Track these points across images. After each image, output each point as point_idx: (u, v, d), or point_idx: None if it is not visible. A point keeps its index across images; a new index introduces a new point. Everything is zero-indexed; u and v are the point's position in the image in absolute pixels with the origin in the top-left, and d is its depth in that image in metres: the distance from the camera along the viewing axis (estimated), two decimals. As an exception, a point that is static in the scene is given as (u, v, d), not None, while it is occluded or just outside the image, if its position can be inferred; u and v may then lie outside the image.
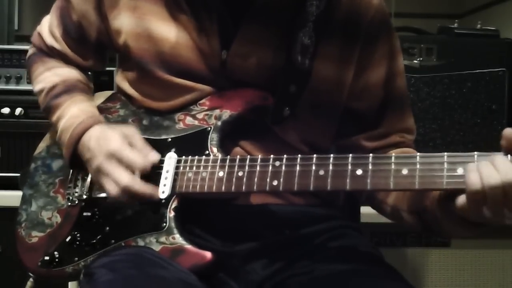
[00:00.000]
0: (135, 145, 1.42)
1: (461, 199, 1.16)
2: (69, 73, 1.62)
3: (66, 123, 1.51)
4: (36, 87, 1.62)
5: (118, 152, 1.39)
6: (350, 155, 1.24)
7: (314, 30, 1.42)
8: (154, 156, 1.40)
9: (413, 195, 1.36)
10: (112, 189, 1.39)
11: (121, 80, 1.58)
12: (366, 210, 1.86)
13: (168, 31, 1.45)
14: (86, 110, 1.52)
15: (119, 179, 1.37)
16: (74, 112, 1.52)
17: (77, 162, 1.49)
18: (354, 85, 1.47)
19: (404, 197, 1.40)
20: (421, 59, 2.27)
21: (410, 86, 2.25)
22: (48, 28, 1.65)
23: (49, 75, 1.61)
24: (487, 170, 1.12)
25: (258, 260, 1.41)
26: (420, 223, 1.36)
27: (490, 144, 2.23)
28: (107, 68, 2.17)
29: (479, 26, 2.38)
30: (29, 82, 2.18)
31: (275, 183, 1.28)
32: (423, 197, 1.32)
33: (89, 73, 1.73)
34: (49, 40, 1.64)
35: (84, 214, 1.47)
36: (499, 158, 1.13)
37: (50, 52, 1.65)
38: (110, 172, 1.39)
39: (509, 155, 1.13)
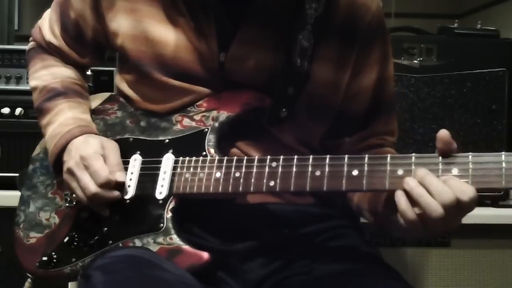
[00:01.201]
0: (108, 160, 1.43)
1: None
2: (65, 73, 1.62)
3: (54, 131, 1.52)
4: (31, 83, 1.64)
5: (87, 159, 1.42)
6: (346, 155, 1.25)
7: (313, 32, 1.42)
8: (120, 177, 1.42)
9: (370, 196, 1.39)
10: (80, 194, 1.43)
11: (120, 82, 1.59)
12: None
13: (167, 34, 1.45)
14: (76, 118, 1.53)
15: (86, 186, 1.40)
16: (63, 120, 1.52)
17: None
18: (348, 88, 1.48)
19: (365, 197, 1.42)
20: (421, 59, 2.27)
21: (410, 86, 2.25)
22: (48, 23, 1.65)
23: (45, 74, 1.62)
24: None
25: (257, 259, 1.41)
26: (377, 223, 1.40)
27: (490, 144, 2.22)
28: (107, 68, 2.19)
29: (479, 26, 2.37)
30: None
31: (271, 183, 1.29)
32: (377, 200, 1.35)
33: (89, 72, 1.73)
34: (48, 35, 1.64)
35: (82, 215, 1.48)
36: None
37: (48, 48, 1.65)
38: (79, 178, 1.42)
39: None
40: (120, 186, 1.42)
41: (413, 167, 1.18)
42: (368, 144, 1.53)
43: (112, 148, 1.46)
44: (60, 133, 1.49)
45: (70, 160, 1.45)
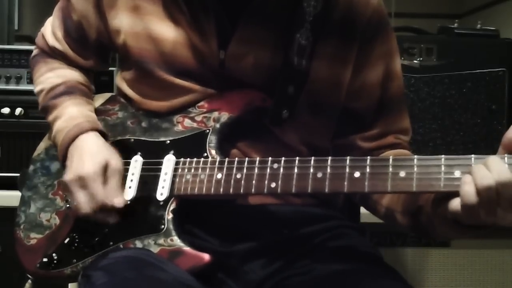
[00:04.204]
0: (109, 182, 1.42)
1: (455, 203, 1.16)
2: (70, 75, 1.62)
3: (62, 124, 1.51)
4: (37, 87, 1.63)
5: (85, 179, 1.40)
6: (348, 157, 1.24)
7: (311, 30, 1.42)
8: (118, 201, 1.40)
9: (408, 196, 1.36)
10: (76, 208, 1.43)
11: (121, 81, 1.58)
12: (366, 210, 1.86)
13: (167, 31, 1.45)
14: (83, 113, 1.52)
15: (79, 207, 1.40)
16: (71, 113, 1.52)
17: None
18: (351, 85, 1.47)
19: (398, 198, 1.39)
20: (421, 59, 2.27)
21: (410, 86, 2.26)
22: (50, 29, 1.65)
23: (51, 76, 1.61)
24: (480, 172, 1.12)
25: (257, 260, 1.41)
26: (413, 224, 1.36)
27: (490, 144, 2.23)
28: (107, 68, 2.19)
29: (479, 26, 2.38)
30: (29, 82, 2.19)
31: (273, 185, 1.28)
32: (417, 198, 1.32)
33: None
34: (51, 41, 1.64)
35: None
36: (491, 158, 1.13)
37: (52, 53, 1.65)
38: (74, 196, 1.42)
39: (506, 157, 1.13)
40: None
41: (415, 169, 1.18)
42: (386, 143, 1.51)
43: (115, 170, 1.43)
44: (68, 126, 1.49)
45: (70, 173, 1.43)
